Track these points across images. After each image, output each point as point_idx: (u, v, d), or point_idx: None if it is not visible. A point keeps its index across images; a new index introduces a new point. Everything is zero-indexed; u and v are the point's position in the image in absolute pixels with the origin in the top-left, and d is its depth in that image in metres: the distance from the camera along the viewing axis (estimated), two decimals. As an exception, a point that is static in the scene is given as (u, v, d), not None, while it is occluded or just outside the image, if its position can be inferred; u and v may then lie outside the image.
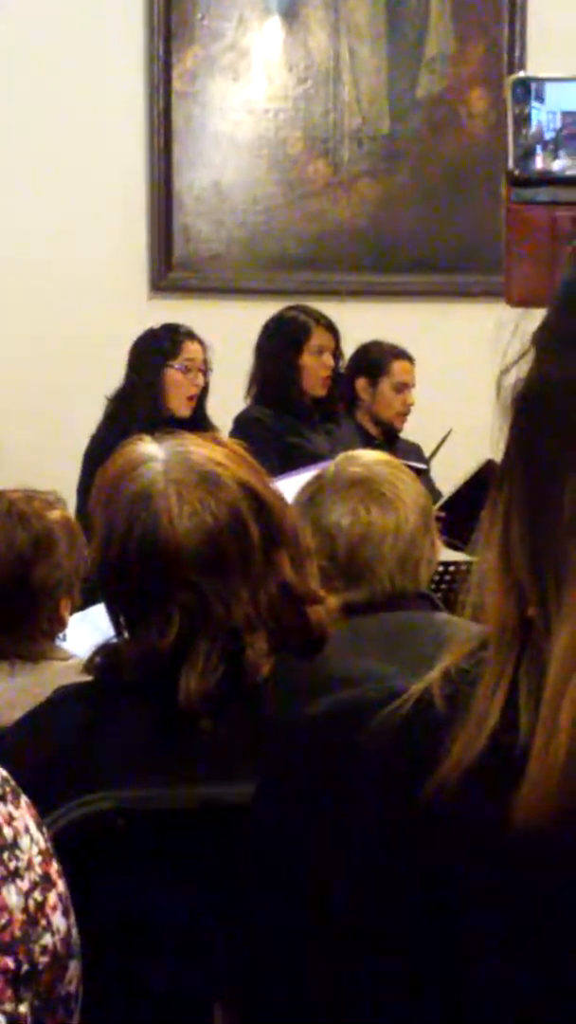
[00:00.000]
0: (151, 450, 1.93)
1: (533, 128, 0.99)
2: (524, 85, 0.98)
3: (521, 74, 0.94)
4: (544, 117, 0.99)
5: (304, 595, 1.91)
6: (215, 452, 1.92)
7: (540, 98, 1.00)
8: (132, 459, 1.93)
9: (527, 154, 0.98)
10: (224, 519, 1.86)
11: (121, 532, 1.89)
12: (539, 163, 0.99)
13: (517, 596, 0.93)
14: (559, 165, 0.96)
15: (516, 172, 0.98)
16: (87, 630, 2.86)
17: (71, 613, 2.75)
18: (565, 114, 0.97)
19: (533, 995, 0.90)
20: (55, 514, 2.69)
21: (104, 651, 1.92)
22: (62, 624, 2.71)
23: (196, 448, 1.92)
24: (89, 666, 1.93)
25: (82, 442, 5.14)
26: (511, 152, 0.98)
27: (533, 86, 0.99)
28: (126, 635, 1.92)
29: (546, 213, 0.99)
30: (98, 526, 1.94)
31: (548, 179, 0.98)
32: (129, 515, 1.89)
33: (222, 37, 6.21)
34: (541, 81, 0.99)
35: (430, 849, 0.93)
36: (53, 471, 5.37)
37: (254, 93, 6.26)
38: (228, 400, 5.19)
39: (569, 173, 0.99)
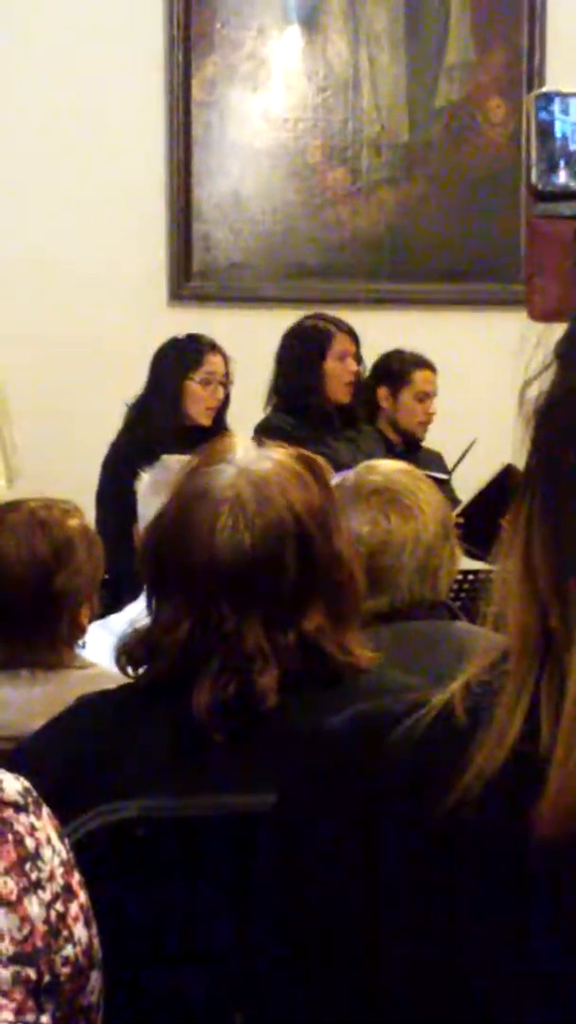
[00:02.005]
0: (237, 452, 1.91)
1: (557, 142, 0.99)
2: (547, 99, 0.98)
3: (544, 88, 0.94)
4: (568, 130, 0.99)
5: (327, 653, 1.85)
6: (290, 476, 1.88)
7: (565, 111, 1.00)
8: (217, 452, 1.92)
9: (550, 168, 0.98)
10: (262, 548, 1.84)
11: (170, 517, 1.90)
12: (562, 177, 0.99)
13: (539, 607, 0.93)
14: (583, 179, 0.97)
15: (539, 186, 0.98)
16: (105, 637, 2.86)
17: (90, 621, 2.76)
18: (587, 127, 0.97)
19: (555, 1003, 0.90)
20: (74, 522, 2.70)
21: (130, 635, 1.91)
22: (82, 631, 2.72)
23: (273, 466, 1.89)
24: (118, 657, 1.93)
25: (100, 449, 5.14)
26: (534, 166, 0.98)
27: (556, 100, 0.99)
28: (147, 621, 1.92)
29: (569, 227, 0.99)
30: (167, 497, 1.93)
31: (571, 193, 0.98)
32: (183, 505, 1.89)
33: (241, 46, 6.22)
34: (565, 96, 0.99)
35: (451, 860, 0.93)
36: (71, 477, 5.38)
37: (273, 102, 6.27)
38: (246, 409, 5.19)
39: (593, 187, 0.99)
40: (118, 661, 1.93)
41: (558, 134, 0.99)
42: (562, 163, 0.99)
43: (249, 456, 1.90)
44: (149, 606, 1.92)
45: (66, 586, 2.64)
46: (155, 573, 1.91)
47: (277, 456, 1.91)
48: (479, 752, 0.92)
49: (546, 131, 0.98)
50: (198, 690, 1.82)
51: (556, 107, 0.99)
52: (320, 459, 1.97)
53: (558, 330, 0.95)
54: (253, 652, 1.83)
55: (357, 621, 1.93)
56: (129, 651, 1.90)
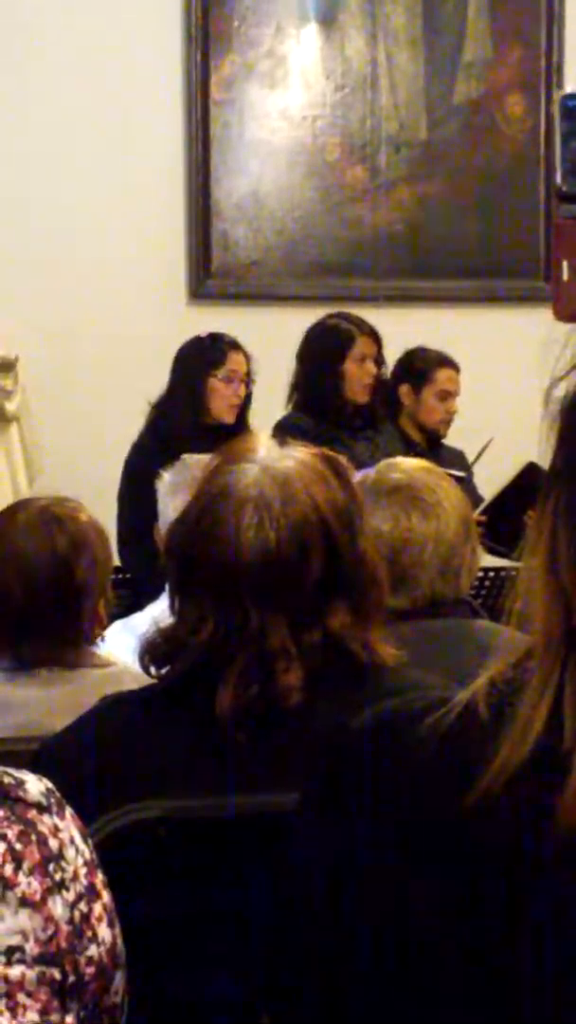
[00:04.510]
0: (260, 450, 1.91)
1: (580, 142, 0.99)
2: (573, 101, 0.98)
3: (569, 90, 0.94)
4: (591, 131, 0.99)
5: (351, 651, 1.85)
6: (313, 475, 1.88)
7: (587, 111, 1.00)
8: (240, 451, 1.91)
9: (574, 169, 0.98)
10: (287, 547, 1.83)
11: (195, 516, 1.89)
12: (587, 178, 0.98)
13: (563, 604, 0.93)
14: (608, 179, 0.96)
15: (564, 187, 0.98)
16: (127, 637, 2.87)
17: (107, 616, 2.77)
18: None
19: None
20: (84, 516, 2.71)
21: (153, 634, 1.91)
22: (102, 624, 2.72)
23: (297, 465, 1.89)
24: (141, 656, 1.93)
25: (121, 447, 5.15)
26: (558, 167, 0.98)
27: (581, 101, 0.99)
28: (172, 620, 1.92)
29: (594, 228, 0.99)
30: (191, 496, 1.93)
31: (596, 193, 0.98)
32: (207, 504, 1.88)
33: (259, 44, 6.22)
34: (588, 96, 0.99)
35: (475, 854, 0.93)
36: (92, 476, 5.39)
37: (292, 100, 6.27)
38: (266, 407, 5.19)
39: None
40: (141, 660, 1.92)
41: (581, 135, 0.99)
42: (586, 164, 0.98)
43: (272, 455, 1.90)
44: (172, 605, 1.92)
45: (87, 579, 2.64)
46: (179, 572, 1.91)
47: (300, 455, 1.91)
48: (503, 746, 0.92)
49: (571, 133, 0.97)
50: (222, 689, 1.82)
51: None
52: (342, 458, 1.97)
53: (585, 329, 0.95)
54: (278, 651, 1.83)
55: (382, 619, 1.93)
56: (153, 650, 1.90)
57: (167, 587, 1.95)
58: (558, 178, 0.93)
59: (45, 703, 2.57)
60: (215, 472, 1.91)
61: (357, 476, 2.79)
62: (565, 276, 0.94)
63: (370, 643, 1.88)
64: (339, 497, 1.88)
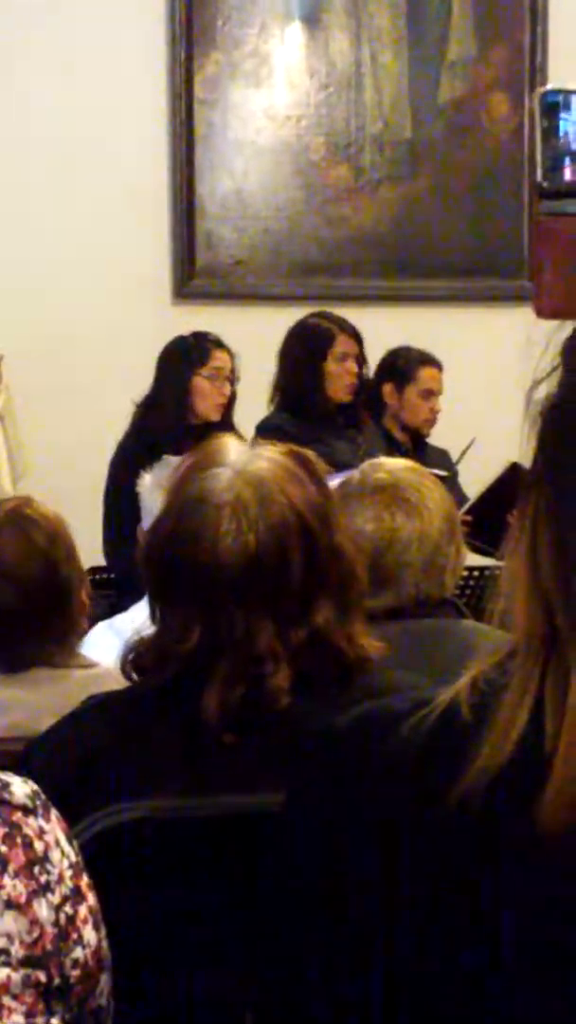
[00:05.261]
0: (231, 454, 1.90)
1: (561, 140, 0.99)
2: (551, 97, 0.98)
3: (549, 86, 0.94)
4: (571, 128, 0.99)
5: (338, 646, 1.86)
6: (286, 475, 1.87)
7: (568, 108, 1.00)
8: (210, 456, 1.90)
9: (556, 166, 0.98)
10: (267, 549, 1.83)
11: (171, 524, 1.88)
12: (568, 175, 0.98)
13: (544, 605, 0.94)
14: (590, 177, 0.96)
15: (545, 184, 0.98)
16: (111, 637, 2.86)
17: (89, 612, 2.76)
18: (593, 124, 0.97)
19: (561, 993, 0.90)
20: (45, 509, 2.70)
21: (136, 644, 1.91)
22: (83, 627, 2.71)
23: (270, 465, 1.88)
24: (123, 660, 1.92)
25: (106, 447, 5.14)
26: (539, 164, 0.98)
27: (561, 97, 0.99)
28: (154, 628, 1.91)
29: (575, 225, 0.98)
30: (164, 502, 1.92)
31: (577, 191, 0.98)
32: (182, 512, 1.87)
33: (243, 44, 6.22)
34: (568, 92, 0.99)
35: (457, 854, 0.94)
36: (77, 475, 5.38)
37: (276, 99, 6.27)
38: (250, 406, 5.19)
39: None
40: (124, 670, 1.92)
41: (562, 132, 0.99)
42: (567, 161, 0.98)
43: (243, 457, 1.89)
44: (153, 615, 1.91)
45: (70, 575, 2.64)
46: (158, 582, 1.90)
47: (270, 455, 1.90)
48: (484, 747, 0.93)
49: (551, 129, 0.97)
50: (208, 693, 1.82)
51: (561, 105, 0.99)
52: (311, 453, 1.96)
53: (566, 329, 0.95)
54: (264, 654, 1.82)
55: (362, 612, 1.93)
56: (137, 659, 1.89)
57: (146, 597, 1.94)
58: (538, 175, 0.93)
59: (32, 704, 2.56)
60: (186, 479, 1.89)
61: (339, 478, 2.79)
62: (546, 273, 0.94)
63: (353, 636, 1.88)
64: (313, 494, 1.88)
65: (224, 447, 1.91)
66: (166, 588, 1.89)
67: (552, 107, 0.96)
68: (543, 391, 0.95)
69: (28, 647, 2.62)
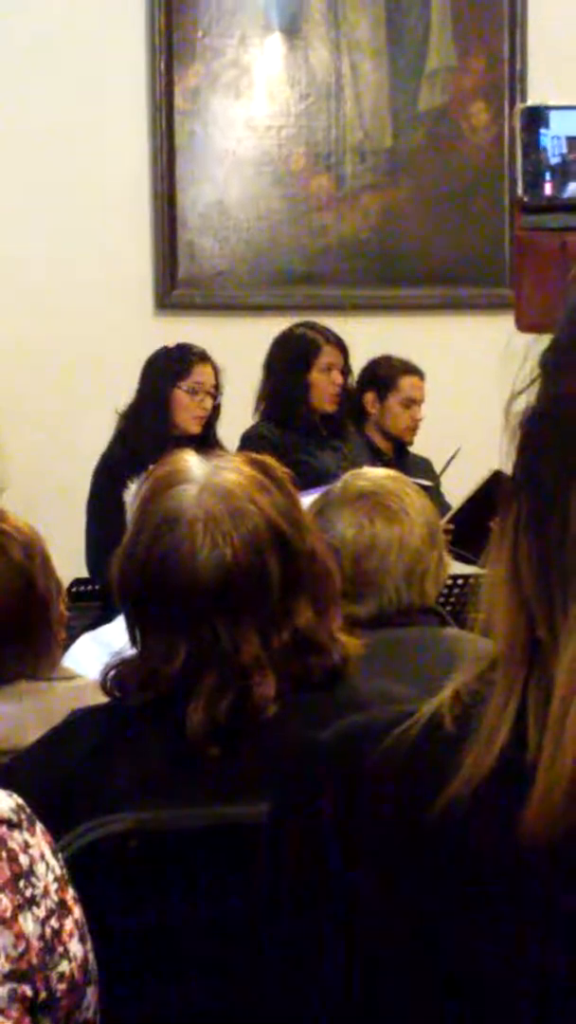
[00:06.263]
0: (193, 469, 1.89)
1: (541, 155, 0.99)
2: (531, 113, 0.99)
3: (529, 102, 0.95)
4: (549, 143, 0.99)
5: (321, 644, 1.87)
6: (252, 484, 1.87)
7: (547, 123, 1.01)
8: (173, 474, 1.89)
9: (536, 181, 0.98)
10: (245, 559, 1.83)
11: (144, 547, 1.87)
12: (548, 190, 0.99)
13: (526, 613, 0.94)
14: (569, 191, 0.97)
15: (525, 199, 0.99)
16: (96, 649, 2.86)
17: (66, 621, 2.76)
18: (570, 139, 0.97)
19: (547, 1002, 0.91)
20: (20, 522, 2.69)
21: (117, 667, 1.91)
22: (64, 621, 2.71)
23: (234, 476, 1.88)
24: (104, 683, 1.92)
25: (89, 458, 5.14)
26: (520, 179, 0.99)
27: (540, 113, 0.99)
28: (136, 650, 1.91)
29: (556, 239, 0.99)
30: (131, 526, 1.92)
31: (557, 206, 0.98)
32: (154, 533, 1.86)
33: (223, 54, 6.23)
34: (548, 109, 1.00)
35: (440, 866, 0.94)
36: (60, 486, 5.38)
37: (256, 110, 6.27)
38: (234, 417, 5.19)
39: (578, 199, 0.99)
40: (106, 690, 1.91)
41: (542, 147, 0.99)
42: (547, 176, 0.99)
43: (206, 471, 1.89)
44: (133, 639, 1.91)
45: (48, 586, 2.63)
46: (138, 606, 1.90)
47: (233, 465, 1.91)
48: (468, 758, 0.93)
49: (531, 144, 0.98)
50: (194, 705, 1.82)
51: (540, 121, 0.99)
52: (270, 459, 1.97)
53: (545, 341, 0.95)
54: (250, 664, 1.83)
55: (339, 610, 1.95)
56: (121, 681, 1.89)
57: (124, 620, 1.93)
58: (519, 190, 0.94)
59: (16, 717, 2.56)
60: (151, 499, 1.89)
61: (321, 490, 2.79)
62: (526, 287, 0.94)
63: (334, 632, 1.89)
64: (280, 498, 1.88)
65: (184, 463, 1.91)
66: (147, 611, 1.88)
67: (532, 122, 0.97)
68: (521, 404, 0.95)
69: (10, 661, 2.62)
